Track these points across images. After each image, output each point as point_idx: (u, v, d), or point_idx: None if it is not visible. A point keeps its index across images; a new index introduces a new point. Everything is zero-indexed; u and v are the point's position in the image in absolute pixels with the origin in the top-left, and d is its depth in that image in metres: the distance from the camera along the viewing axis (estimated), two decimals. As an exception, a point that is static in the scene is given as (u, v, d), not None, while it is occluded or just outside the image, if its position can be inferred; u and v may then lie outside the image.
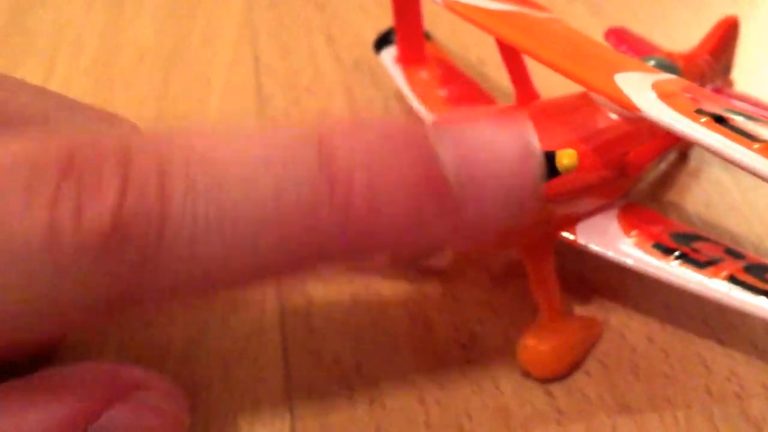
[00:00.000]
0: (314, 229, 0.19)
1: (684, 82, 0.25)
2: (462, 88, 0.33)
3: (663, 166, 0.33)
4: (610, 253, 0.26)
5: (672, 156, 0.33)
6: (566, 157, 0.21)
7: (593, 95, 0.28)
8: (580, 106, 0.27)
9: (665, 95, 0.23)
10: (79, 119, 0.23)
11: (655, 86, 0.23)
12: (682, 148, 0.33)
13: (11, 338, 0.18)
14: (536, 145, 0.21)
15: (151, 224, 0.17)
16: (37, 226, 0.17)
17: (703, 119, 0.22)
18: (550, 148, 0.22)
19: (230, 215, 0.18)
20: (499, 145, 0.20)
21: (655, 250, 0.25)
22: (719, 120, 0.22)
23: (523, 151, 0.20)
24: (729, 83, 0.34)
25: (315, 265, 0.20)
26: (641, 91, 0.23)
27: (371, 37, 0.36)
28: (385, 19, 0.36)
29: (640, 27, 0.37)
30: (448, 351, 0.27)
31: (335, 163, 0.19)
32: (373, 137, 0.19)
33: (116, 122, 0.24)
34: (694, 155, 0.34)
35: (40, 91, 0.23)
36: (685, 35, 0.35)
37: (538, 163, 0.21)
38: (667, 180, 0.33)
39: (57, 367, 0.20)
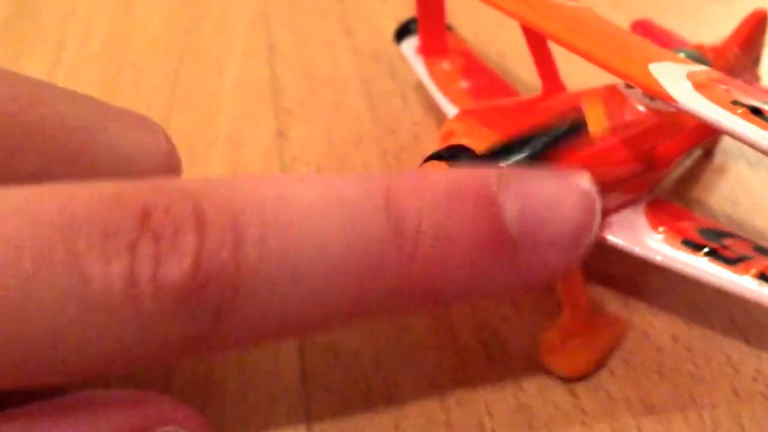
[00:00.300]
0: (382, 281, 0.19)
1: (717, 74, 0.24)
2: (484, 80, 0.32)
3: (687, 162, 0.32)
4: (638, 249, 0.25)
5: (697, 152, 0.32)
6: (593, 123, 0.21)
7: (620, 87, 0.27)
8: (608, 97, 0.26)
9: (700, 86, 0.22)
10: (114, 128, 0.23)
11: (690, 77, 0.23)
12: (707, 144, 0.32)
13: (79, 379, 0.19)
14: (596, 195, 0.21)
15: (226, 281, 0.18)
16: (115, 280, 0.17)
17: (740, 110, 0.21)
18: None
19: (302, 269, 0.19)
20: (560, 197, 0.21)
21: (684, 246, 0.25)
22: (756, 111, 0.21)
23: (583, 202, 0.21)
24: (757, 77, 0.33)
25: (380, 314, 0.21)
26: (676, 81, 0.22)
27: (390, 28, 0.36)
28: (405, 11, 0.36)
29: (664, 20, 0.36)
30: (469, 349, 0.26)
31: (403, 216, 0.19)
32: (441, 190, 0.20)
33: (150, 128, 0.24)
34: (719, 152, 0.33)
35: (74, 98, 0.23)
36: (711, 28, 0.35)
37: (597, 213, 0.21)
38: (691, 177, 0.32)
39: (85, 391, 0.20)
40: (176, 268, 0.17)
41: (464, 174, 0.21)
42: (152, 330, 0.18)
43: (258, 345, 0.21)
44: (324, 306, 0.19)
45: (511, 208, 0.20)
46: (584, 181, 0.21)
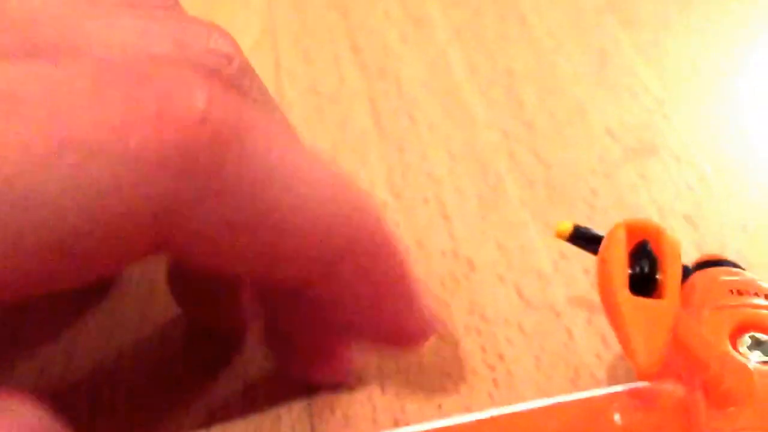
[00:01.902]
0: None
1: None
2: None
3: None
4: None
5: None
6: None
7: None
8: None
9: None
10: None
11: None
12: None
13: None
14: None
15: (231, 139, 0.19)
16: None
17: None
18: None
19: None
20: None
21: None
22: None
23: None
24: None
25: None
26: None
27: (396, 44, 0.35)
28: (410, 26, 0.36)
29: (674, 38, 0.36)
30: (475, 372, 0.26)
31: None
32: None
33: None
34: None
35: None
36: (723, 47, 0.34)
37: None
38: None
39: None
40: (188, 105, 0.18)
41: None
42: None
43: (222, 254, 0.20)
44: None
45: None
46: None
